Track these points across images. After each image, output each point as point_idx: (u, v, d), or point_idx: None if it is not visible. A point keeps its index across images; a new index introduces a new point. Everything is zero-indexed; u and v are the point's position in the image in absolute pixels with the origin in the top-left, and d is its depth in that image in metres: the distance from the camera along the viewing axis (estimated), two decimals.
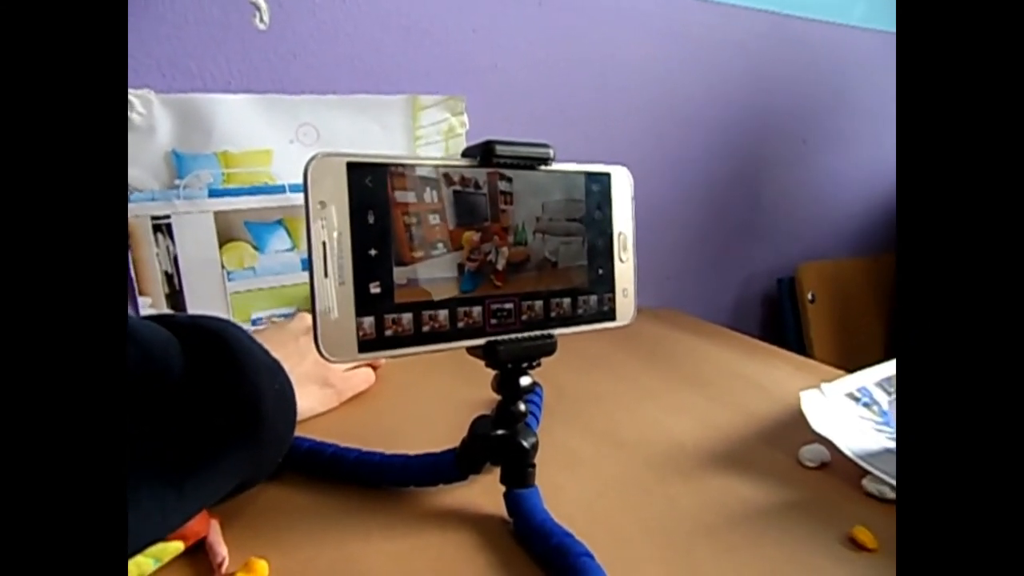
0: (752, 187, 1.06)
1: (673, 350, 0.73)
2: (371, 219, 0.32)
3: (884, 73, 1.17)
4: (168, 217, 0.63)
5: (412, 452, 0.43)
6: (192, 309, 0.66)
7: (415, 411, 0.56)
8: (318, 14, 0.67)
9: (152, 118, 0.61)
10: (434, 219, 0.34)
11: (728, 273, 1.08)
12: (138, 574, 0.33)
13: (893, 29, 1.15)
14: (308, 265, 0.30)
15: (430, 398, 0.58)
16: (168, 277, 0.65)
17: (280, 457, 0.39)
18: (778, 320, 1.09)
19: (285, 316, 0.71)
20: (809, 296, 1.02)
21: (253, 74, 0.65)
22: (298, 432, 0.47)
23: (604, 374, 0.64)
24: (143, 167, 0.62)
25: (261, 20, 0.64)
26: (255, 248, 0.68)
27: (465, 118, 0.77)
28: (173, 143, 0.63)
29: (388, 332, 0.32)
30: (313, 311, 0.31)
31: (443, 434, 0.43)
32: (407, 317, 0.33)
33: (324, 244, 0.31)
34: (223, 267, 0.67)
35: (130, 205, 0.62)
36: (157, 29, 0.61)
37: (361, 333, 0.32)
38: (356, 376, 0.57)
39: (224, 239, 0.66)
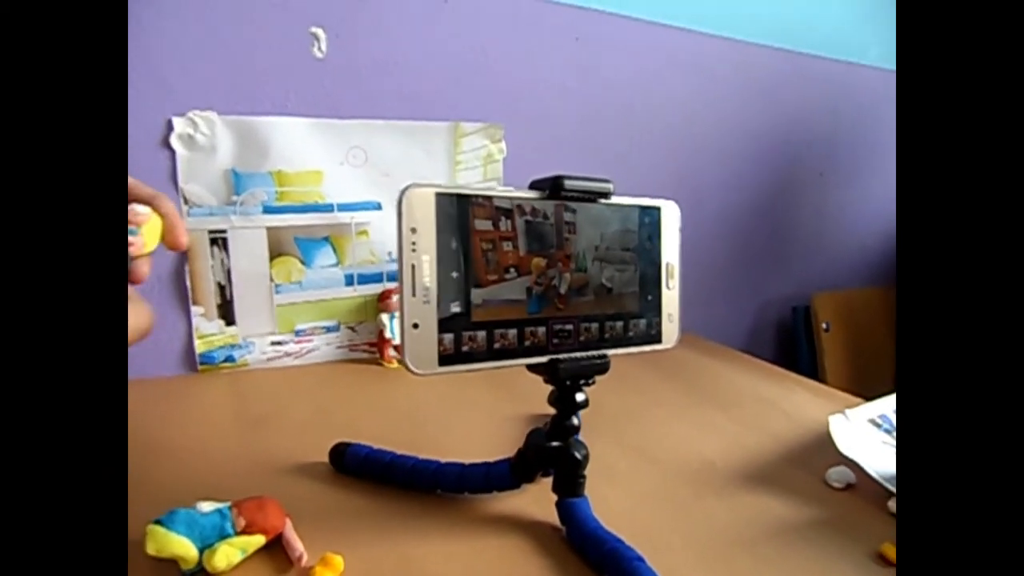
0: (769, 217, 1.10)
1: (696, 372, 0.76)
2: (453, 244, 0.35)
3: None
4: (224, 231, 0.67)
5: (463, 461, 0.46)
6: (241, 320, 0.69)
7: (456, 423, 0.59)
8: (372, 45, 0.71)
9: (214, 138, 0.65)
10: (507, 246, 0.37)
11: (744, 300, 1.11)
12: (227, 563, 0.36)
13: None
14: (398, 284, 0.33)
15: (470, 412, 0.61)
16: (221, 288, 0.68)
17: None
18: (792, 347, 1.12)
19: (328, 329, 0.74)
20: (824, 326, 1.05)
21: (309, 99, 0.69)
22: (349, 438, 0.50)
23: (633, 393, 0.67)
24: (204, 184, 0.65)
25: (319, 49, 0.68)
26: (302, 263, 0.71)
27: (503, 145, 0.81)
28: (232, 162, 0.66)
29: (465, 348, 0.35)
30: (402, 326, 0.34)
31: (485, 445, 0.46)
32: (481, 335, 0.36)
33: (413, 266, 0.34)
34: (272, 280, 0.70)
35: (189, 219, 0.66)
36: (223, 55, 0.65)
37: (442, 348, 0.35)
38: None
39: (274, 253, 0.70)
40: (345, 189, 0.72)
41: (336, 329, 0.75)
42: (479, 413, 0.61)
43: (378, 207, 0.74)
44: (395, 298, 0.74)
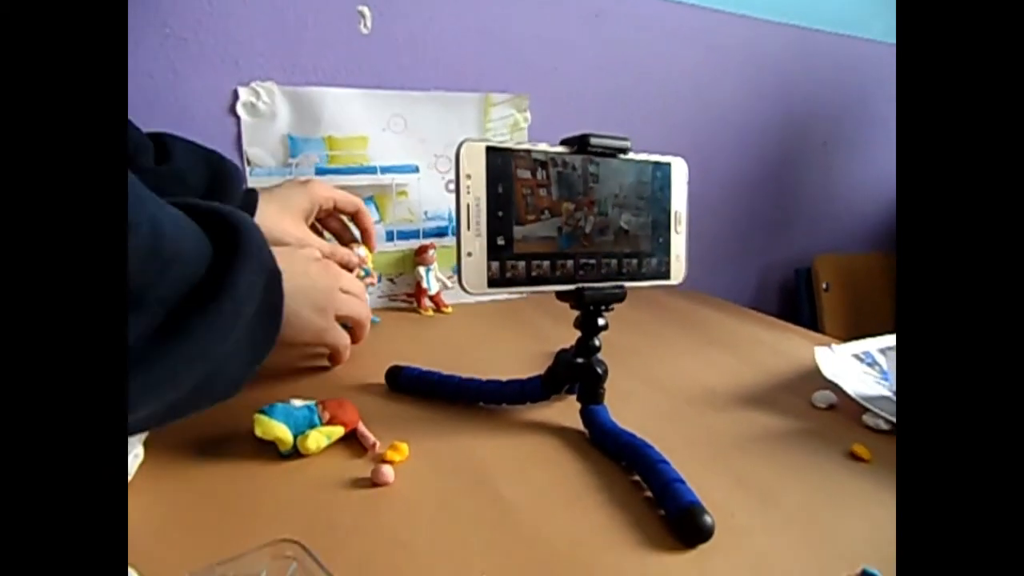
0: (775, 184, 1.17)
1: (702, 321, 0.84)
2: (500, 189, 0.43)
3: None
4: None
5: (501, 378, 0.54)
6: None
7: (488, 357, 0.67)
8: (411, 22, 0.79)
9: (274, 106, 0.73)
10: (543, 192, 0.45)
11: (750, 262, 1.19)
12: (316, 446, 0.44)
13: None
14: (456, 220, 0.41)
15: (498, 348, 0.70)
16: None
17: (256, 358, 0.44)
18: (794, 306, 1.19)
19: None
20: (824, 286, 1.12)
21: (356, 71, 0.77)
22: (401, 360, 0.58)
23: (646, 337, 0.75)
24: (264, 148, 0.74)
25: (365, 26, 0.76)
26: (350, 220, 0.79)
27: (528, 114, 0.88)
28: (289, 128, 0.75)
29: (508, 274, 0.43)
30: (458, 254, 0.41)
31: (514, 372, 0.55)
32: (521, 264, 0.44)
33: (468, 206, 0.42)
34: (324, 236, 0.78)
35: (250, 180, 0.74)
36: (282, 32, 0.72)
37: (490, 273, 0.43)
38: (338, 329, 0.57)
39: None
40: (387, 153, 0.80)
41: (378, 280, 0.83)
42: (506, 349, 0.69)
43: (416, 170, 0.82)
44: (431, 252, 0.82)
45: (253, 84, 0.72)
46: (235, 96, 0.72)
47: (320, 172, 0.77)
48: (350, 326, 0.59)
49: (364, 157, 0.79)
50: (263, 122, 0.73)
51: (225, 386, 0.42)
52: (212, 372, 0.39)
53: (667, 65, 1.00)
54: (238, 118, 0.72)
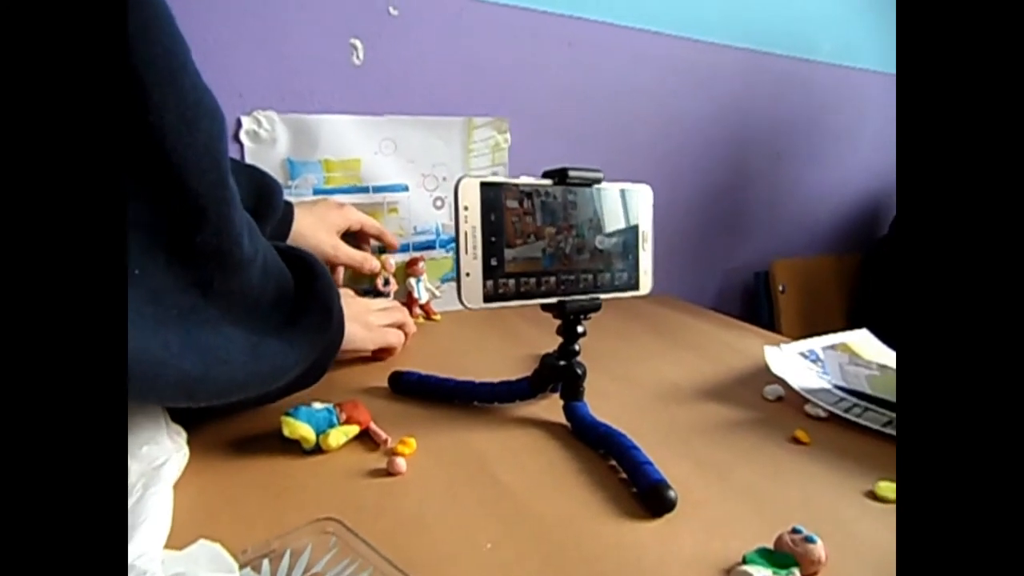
0: (735, 194, 1.26)
1: (670, 324, 0.92)
2: (492, 217, 0.50)
3: (847, 100, 1.38)
4: None
5: (492, 380, 0.61)
6: None
7: (477, 361, 0.74)
8: (400, 53, 0.85)
9: (274, 133, 0.79)
10: (529, 219, 0.52)
11: (713, 266, 1.28)
12: (336, 443, 0.50)
13: (856, 64, 1.36)
14: (455, 245, 0.48)
15: (486, 353, 0.77)
16: None
17: (329, 360, 0.55)
18: (754, 307, 1.29)
19: (365, 291, 0.89)
20: (780, 287, 1.22)
21: (350, 99, 0.83)
22: (399, 366, 0.65)
23: (619, 340, 0.83)
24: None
25: (357, 58, 0.82)
26: None
27: (508, 136, 0.95)
28: (288, 152, 0.81)
29: (500, 290, 0.50)
30: (457, 273, 0.48)
31: (502, 373, 0.61)
32: (512, 281, 0.51)
33: (466, 233, 0.49)
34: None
35: None
36: (281, 64, 0.79)
37: (485, 290, 0.50)
38: (389, 331, 0.71)
39: None
40: (379, 173, 0.86)
41: (371, 291, 0.89)
42: (493, 353, 0.76)
43: (405, 189, 0.89)
44: (421, 264, 0.89)
45: (255, 113, 0.78)
46: (239, 124, 0.77)
47: (317, 192, 0.83)
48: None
49: (358, 178, 0.85)
50: (265, 147, 0.79)
51: (316, 376, 0.55)
52: (316, 360, 0.51)
53: (634, 87, 1.08)
54: (241, 144, 0.78)
